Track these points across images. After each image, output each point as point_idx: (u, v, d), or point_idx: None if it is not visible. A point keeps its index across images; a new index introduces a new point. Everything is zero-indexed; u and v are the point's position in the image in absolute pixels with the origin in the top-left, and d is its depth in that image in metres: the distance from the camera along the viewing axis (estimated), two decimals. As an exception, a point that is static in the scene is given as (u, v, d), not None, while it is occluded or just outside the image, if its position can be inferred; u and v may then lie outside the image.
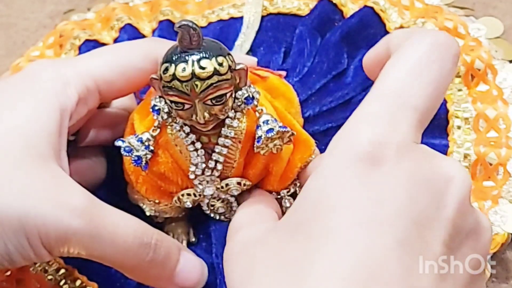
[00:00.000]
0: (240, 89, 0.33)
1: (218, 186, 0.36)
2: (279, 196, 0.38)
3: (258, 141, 0.33)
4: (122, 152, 0.35)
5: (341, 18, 0.49)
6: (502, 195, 0.39)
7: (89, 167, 0.40)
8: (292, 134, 0.34)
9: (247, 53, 0.48)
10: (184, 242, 0.39)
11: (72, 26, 0.52)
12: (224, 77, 0.32)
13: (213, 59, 0.31)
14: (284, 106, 0.37)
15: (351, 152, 0.26)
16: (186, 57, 0.31)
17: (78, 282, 0.39)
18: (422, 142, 0.41)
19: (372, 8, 0.48)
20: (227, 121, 0.34)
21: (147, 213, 0.38)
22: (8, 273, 0.39)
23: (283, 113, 0.36)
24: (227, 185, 0.36)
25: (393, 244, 0.25)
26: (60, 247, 0.32)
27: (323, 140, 0.41)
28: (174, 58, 0.31)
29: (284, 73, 0.40)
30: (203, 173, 0.36)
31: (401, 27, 0.47)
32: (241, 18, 0.51)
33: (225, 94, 0.32)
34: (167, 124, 0.34)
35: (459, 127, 0.43)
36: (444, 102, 0.43)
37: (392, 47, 0.30)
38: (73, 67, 0.36)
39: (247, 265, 0.28)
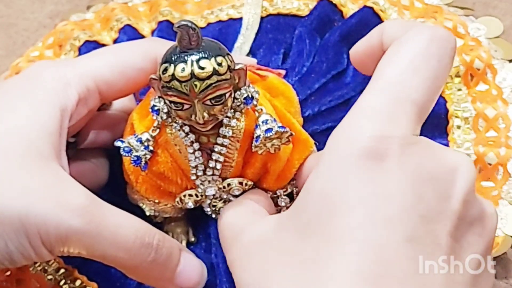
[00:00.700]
0: (240, 89, 0.33)
1: (220, 186, 0.36)
2: (275, 195, 0.38)
3: (256, 140, 0.33)
4: (122, 152, 0.35)
5: (341, 18, 0.49)
6: (502, 196, 0.40)
7: (91, 170, 0.40)
8: (291, 134, 0.34)
9: (247, 55, 0.48)
10: (184, 242, 0.39)
11: (72, 26, 0.52)
12: (223, 77, 0.32)
13: (212, 59, 0.31)
14: (283, 105, 0.37)
15: (353, 148, 0.26)
16: (185, 57, 0.31)
17: (78, 282, 0.39)
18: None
19: (372, 8, 0.48)
20: (225, 120, 0.34)
21: (147, 213, 0.38)
22: (8, 273, 0.40)
23: (282, 112, 0.36)
24: (229, 185, 0.36)
25: (403, 241, 0.25)
26: (61, 246, 0.32)
27: (322, 139, 0.41)
28: (173, 58, 0.31)
29: (283, 71, 0.40)
30: (204, 173, 0.36)
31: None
32: (240, 19, 0.51)
33: (225, 94, 0.32)
34: (167, 124, 0.34)
35: (458, 127, 0.43)
36: (444, 101, 0.43)
37: (386, 40, 0.30)
38: (74, 67, 0.36)
39: (260, 266, 0.28)
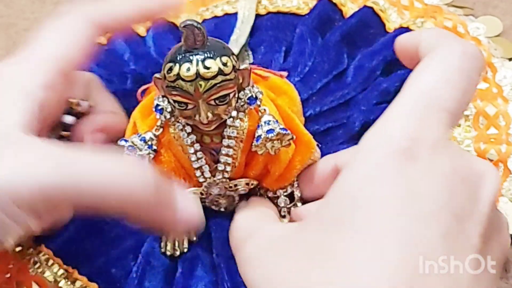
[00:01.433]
0: (243, 89, 0.33)
1: (227, 186, 0.37)
2: (275, 195, 0.38)
3: (257, 140, 0.33)
4: (125, 151, 0.35)
5: (341, 17, 0.49)
6: (503, 193, 0.40)
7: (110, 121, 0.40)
8: (292, 138, 0.34)
9: (246, 50, 0.48)
10: (185, 241, 0.39)
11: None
12: (228, 77, 0.32)
13: (218, 59, 0.31)
14: (287, 104, 0.37)
15: (387, 147, 0.27)
16: (191, 57, 0.31)
17: (78, 283, 0.39)
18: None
19: (371, 8, 0.48)
20: (229, 121, 0.34)
21: None
22: (8, 275, 0.40)
23: (285, 112, 0.36)
24: (235, 185, 0.37)
25: (438, 237, 0.25)
26: (38, 202, 0.30)
27: (323, 139, 0.42)
28: (178, 58, 0.31)
29: (285, 73, 0.40)
30: (213, 177, 0.36)
31: (401, 27, 0.47)
32: (236, 14, 0.51)
33: (229, 94, 0.32)
34: (170, 123, 0.34)
35: (459, 125, 0.43)
36: (444, 100, 0.43)
37: (423, 49, 0.31)
38: (36, 55, 0.35)
39: (281, 260, 0.28)
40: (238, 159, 0.35)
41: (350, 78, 0.46)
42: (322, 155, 0.39)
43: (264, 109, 0.34)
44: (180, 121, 0.34)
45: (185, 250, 0.39)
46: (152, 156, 0.35)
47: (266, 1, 0.52)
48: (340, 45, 0.47)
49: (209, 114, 0.32)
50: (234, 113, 0.34)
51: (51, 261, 0.40)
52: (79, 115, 0.39)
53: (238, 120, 0.34)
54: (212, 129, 0.34)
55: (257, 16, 0.51)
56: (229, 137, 0.34)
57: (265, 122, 0.33)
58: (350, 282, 0.25)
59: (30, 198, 0.29)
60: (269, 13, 0.51)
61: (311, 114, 0.44)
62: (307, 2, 0.51)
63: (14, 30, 0.57)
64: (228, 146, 0.34)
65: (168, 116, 0.34)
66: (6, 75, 0.34)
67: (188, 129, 0.34)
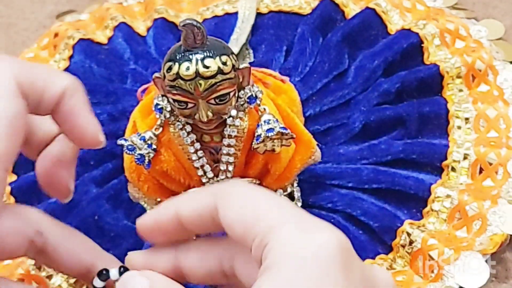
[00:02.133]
0: (243, 88, 0.34)
1: None
2: None
3: (257, 139, 0.34)
4: (125, 150, 0.35)
5: (343, 18, 0.50)
6: (502, 195, 0.40)
7: None
8: (292, 137, 0.34)
9: (247, 48, 0.49)
10: None
11: (66, 26, 0.53)
12: (227, 76, 0.32)
13: (217, 58, 0.32)
14: (286, 103, 0.38)
15: (303, 260, 0.25)
16: (190, 56, 0.31)
17: (78, 283, 0.40)
18: (423, 143, 0.42)
19: (374, 9, 0.49)
20: (229, 120, 0.34)
21: (148, 211, 0.39)
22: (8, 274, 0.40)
23: (285, 111, 0.37)
24: None
25: None
26: None
27: (323, 139, 0.42)
28: (178, 57, 0.32)
29: (287, 78, 0.40)
30: (217, 176, 0.36)
31: (402, 28, 0.47)
32: (236, 13, 0.51)
33: (229, 93, 0.33)
34: (170, 122, 0.35)
35: (459, 127, 0.43)
36: (445, 102, 0.44)
37: (233, 218, 0.27)
38: None
39: None
40: (238, 158, 0.36)
41: (350, 78, 0.46)
42: (323, 155, 0.40)
43: (264, 108, 0.34)
44: (180, 120, 0.34)
45: None
46: (151, 155, 0.35)
47: (268, -1, 0.52)
48: (341, 45, 0.47)
49: (209, 113, 0.33)
50: (234, 112, 0.34)
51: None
52: None
53: (238, 119, 0.34)
54: (212, 128, 0.34)
55: (259, 14, 0.51)
56: (230, 136, 0.34)
57: (265, 121, 0.34)
58: None
59: None
60: (270, 12, 0.51)
61: (311, 114, 0.44)
62: (309, 2, 0.51)
63: (14, 30, 0.57)
64: (229, 145, 0.35)
65: (168, 115, 0.34)
66: None
67: (188, 128, 0.35)
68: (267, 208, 0.26)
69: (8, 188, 0.44)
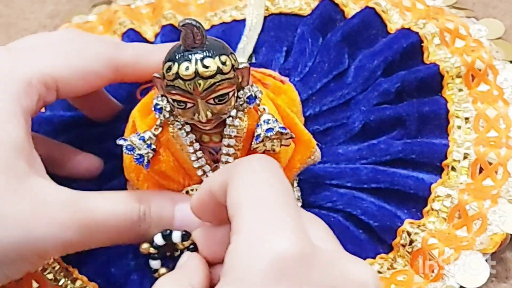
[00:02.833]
0: (243, 88, 0.34)
1: None
2: None
3: (256, 139, 0.34)
4: (124, 150, 0.35)
5: (343, 18, 0.50)
6: (501, 195, 0.40)
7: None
8: (291, 137, 0.34)
9: (250, 55, 0.49)
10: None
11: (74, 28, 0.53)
12: (227, 76, 0.32)
13: (217, 58, 0.32)
14: (286, 104, 0.38)
15: (253, 270, 0.26)
16: (190, 56, 0.32)
17: (78, 283, 0.40)
18: (423, 142, 0.42)
19: (373, 9, 0.49)
20: (228, 120, 0.34)
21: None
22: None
23: (285, 111, 0.37)
24: None
25: None
26: (59, 254, 0.35)
27: (323, 139, 0.43)
28: (177, 57, 0.32)
29: (286, 79, 0.40)
30: None
31: (402, 28, 0.47)
32: (244, 20, 0.52)
33: (228, 93, 0.33)
34: (169, 122, 0.35)
35: (459, 127, 0.44)
36: (445, 102, 0.44)
37: (214, 187, 0.30)
38: (33, 65, 0.36)
39: None
40: (237, 158, 0.36)
41: (350, 78, 0.46)
42: (322, 155, 0.40)
43: (264, 108, 0.34)
44: (179, 120, 0.35)
45: None
46: (151, 155, 0.35)
47: (268, 2, 0.52)
48: (341, 45, 0.47)
49: (209, 113, 0.33)
50: (233, 112, 0.34)
51: (51, 260, 0.40)
52: None
53: (237, 120, 0.34)
54: (211, 128, 0.34)
55: (260, 17, 0.51)
56: (229, 137, 0.35)
57: (264, 121, 0.34)
58: None
59: (53, 252, 0.33)
60: (271, 14, 0.52)
61: (311, 114, 0.45)
62: (309, 3, 0.52)
63: (14, 30, 0.57)
64: (229, 146, 0.35)
65: (167, 115, 0.35)
66: None
67: (187, 128, 0.35)
68: (248, 204, 0.28)
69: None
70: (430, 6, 0.50)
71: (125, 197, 0.36)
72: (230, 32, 0.51)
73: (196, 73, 0.32)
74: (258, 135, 0.34)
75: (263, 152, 0.35)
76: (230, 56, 0.33)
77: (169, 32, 0.52)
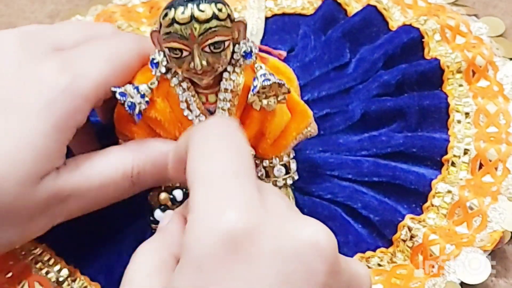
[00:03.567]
0: (239, 43, 0.35)
1: None
2: (271, 164, 0.39)
3: (253, 90, 0.35)
4: (117, 96, 0.36)
5: (345, 17, 0.50)
6: (501, 192, 0.40)
7: None
8: (288, 91, 0.35)
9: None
10: None
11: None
12: (223, 23, 0.33)
13: (213, 4, 0.33)
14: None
15: (206, 246, 0.26)
16: (186, 2, 0.33)
17: (80, 283, 0.40)
18: (423, 136, 0.43)
19: (375, 6, 0.49)
20: (225, 74, 0.35)
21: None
22: (10, 274, 0.40)
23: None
24: None
25: None
26: None
27: (320, 125, 0.42)
28: (174, 4, 0.33)
29: (284, 53, 0.41)
30: None
31: (404, 25, 0.48)
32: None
33: (224, 41, 0.34)
34: (166, 78, 0.36)
35: (459, 122, 0.44)
36: (445, 96, 0.45)
37: (183, 155, 0.30)
38: (89, 78, 0.36)
39: None
40: (233, 115, 0.36)
41: (351, 69, 0.47)
42: (321, 143, 0.41)
43: (260, 66, 0.35)
44: (176, 76, 0.36)
45: None
46: (143, 106, 0.36)
47: (271, 2, 0.53)
48: (342, 40, 0.48)
49: (204, 62, 0.34)
50: (230, 68, 0.35)
51: (53, 261, 0.40)
52: None
53: (234, 74, 0.35)
54: (207, 86, 0.35)
55: (263, 19, 0.52)
56: (226, 90, 0.35)
57: (261, 75, 0.35)
58: None
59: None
60: (274, 15, 0.52)
61: (309, 99, 0.45)
62: (312, 2, 0.52)
63: (14, 30, 0.58)
64: (225, 99, 0.36)
65: (163, 70, 0.35)
66: None
67: (184, 84, 0.36)
68: (199, 179, 0.28)
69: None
70: (432, 4, 0.51)
71: (117, 150, 0.37)
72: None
73: (192, 16, 0.32)
74: (255, 87, 0.35)
75: (259, 109, 0.35)
76: (226, 6, 0.34)
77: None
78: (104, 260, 0.40)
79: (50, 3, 0.59)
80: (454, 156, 0.42)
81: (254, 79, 0.35)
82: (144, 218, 0.39)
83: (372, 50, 0.47)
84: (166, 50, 0.34)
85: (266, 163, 0.39)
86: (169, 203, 0.38)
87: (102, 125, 0.44)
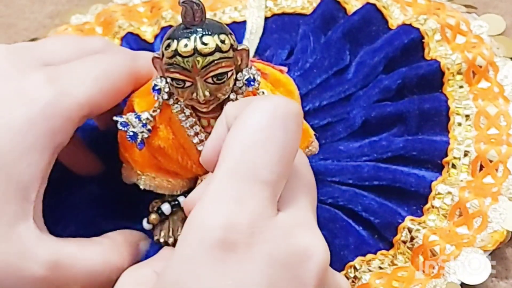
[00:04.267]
0: (241, 71, 0.35)
1: None
2: None
3: None
4: (119, 126, 0.36)
5: (345, 15, 0.50)
6: (502, 193, 0.41)
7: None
8: None
9: (253, 57, 0.49)
10: (180, 229, 0.40)
11: (73, 31, 0.54)
12: (226, 54, 0.33)
13: (216, 36, 0.33)
14: (285, 96, 0.38)
15: (203, 239, 0.26)
16: (189, 34, 0.32)
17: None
18: (423, 139, 0.43)
19: (374, 5, 0.49)
20: (229, 104, 0.35)
21: (141, 187, 0.39)
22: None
23: None
24: None
25: None
26: None
27: (323, 134, 0.43)
28: (176, 35, 0.33)
29: (285, 68, 0.41)
30: None
31: (403, 23, 0.48)
32: (244, 22, 0.52)
33: (227, 72, 0.33)
34: (169, 104, 0.36)
35: (459, 124, 0.44)
36: (445, 99, 0.45)
37: (229, 123, 0.30)
38: (73, 97, 0.35)
39: None
40: None
41: (351, 74, 0.47)
42: (323, 151, 0.40)
43: (263, 92, 0.35)
44: (179, 103, 0.35)
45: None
46: (145, 135, 0.36)
47: (271, 2, 0.53)
48: (342, 42, 0.48)
49: (207, 93, 0.33)
50: (232, 96, 0.35)
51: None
52: None
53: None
54: (209, 111, 0.35)
55: (262, 19, 0.52)
56: None
57: None
58: None
59: None
60: (274, 15, 0.52)
61: (310, 109, 0.45)
62: (311, 1, 0.52)
63: (14, 30, 0.58)
64: None
65: (166, 96, 0.35)
66: None
67: (187, 111, 0.36)
68: (225, 164, 0.28)
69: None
70: (431, 1, 0.51)
71: (104, 253, 0.37)
72: (230, 35, 0.51)
73: (195, 50, 0.32)
74: None
75: None
76: (229, 36, 0.33)
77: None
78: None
79: (50, 3, 0.59)
80: (455, 158, 0.43)
81: None
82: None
83: (372, 53, 0.47)
84: (169, 79, 0.34)
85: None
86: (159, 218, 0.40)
87: (100, 131, 0.44)
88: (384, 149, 0.43)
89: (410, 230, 0.39)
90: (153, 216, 0.40)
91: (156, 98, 0.35)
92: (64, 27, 0.55)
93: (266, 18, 0.52)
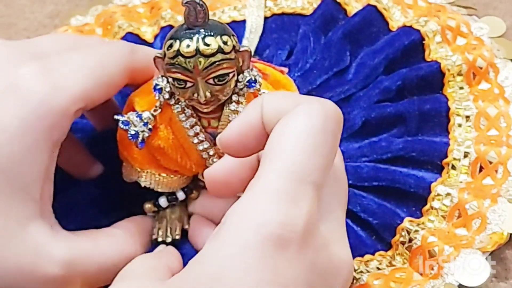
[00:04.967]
0: (243, 72, 0.35)
1: None
2: None
3: None
4: (120, 125, 0.36)
5: (345, 17, 0.51)
6: (501, 194, 0.41)
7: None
8: None
9: (253, 56, 0.49)
10: (178, 229, 0.41)
11: (73, 32, 0.54)
12: (227, 56, 0.33)
13: (218, 37, 0.33)
14: None
15: (258, 232, 0.26)
16: (191, 34, 0.33)
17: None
18: (423, 140, 0.43)
19: (375, 6, 0.50)
20: (231, 105, 0.35)
21: (142, 184, 0.40)
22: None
23: None
24: None
25: None
26: None
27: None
28: (179, 35, 0.33)
29: (286, 69, 0.41)
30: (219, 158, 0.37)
31: (404, 25, 0.48)
32: (244, 21, 0.53)
33: (228, 74, 0.34)
34: (170, 104, 0.36)
35: (460, 125, 0.44)
36: (445, 100, 0.45)
37: (270, 116, 0.30)
38: (68, 92, 0.35)
39: None
40: None
41: (351, 75, 0.47)
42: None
43: (264, 93, 0.35)
44: (180, 103, 0.36)
45: (177, 237, 0.40)
46: (146, 134, 0.36)
47: (271, 2, 0.53)
48: (342, 43, 0.48)
49: (208, 94, 0.34)
50: (234, 97, 0.35)
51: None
52: None
53: (234, 104, 0.35)
54: (210, 111, 0.35)
55: (262, 18, 0.52)
56: (228, 120, 0.35)
57: None
58: None
59: None
60: (273, 14, 0.53)
61: None
62: (312, 2, 0.53)
63: (14, 30, 0.58)
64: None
65: (167, 96, 0.36)
66: None
67: (188, 112, 0.36)
68: (276, 162, 0.28)
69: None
70: (432, 4, 0.51)
71: (118, 245, 0.37)
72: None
73: (197, 50, 0.32)
74: None
75: None
76: (231, 37, 0.34)
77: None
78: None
79: (50, 3, 0.60)
80: (454, 159, 0.43)
81: None
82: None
83: (372, 54, 0.47)
84: (170, 79, 0.34)
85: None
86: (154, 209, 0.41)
87: (97, 132, 0.44)
88: (383, 150, 0.43)
89: (408, 231, 0.40)
90: (147, 205, 0.41)
91: (157, 97, 0.36)
92: (64, 28, 0.55)
93: (266, 18, 0.52)
